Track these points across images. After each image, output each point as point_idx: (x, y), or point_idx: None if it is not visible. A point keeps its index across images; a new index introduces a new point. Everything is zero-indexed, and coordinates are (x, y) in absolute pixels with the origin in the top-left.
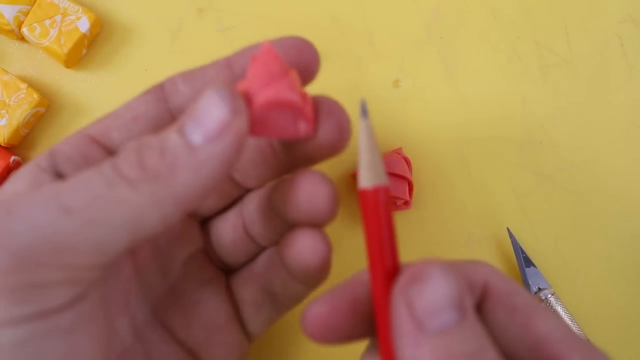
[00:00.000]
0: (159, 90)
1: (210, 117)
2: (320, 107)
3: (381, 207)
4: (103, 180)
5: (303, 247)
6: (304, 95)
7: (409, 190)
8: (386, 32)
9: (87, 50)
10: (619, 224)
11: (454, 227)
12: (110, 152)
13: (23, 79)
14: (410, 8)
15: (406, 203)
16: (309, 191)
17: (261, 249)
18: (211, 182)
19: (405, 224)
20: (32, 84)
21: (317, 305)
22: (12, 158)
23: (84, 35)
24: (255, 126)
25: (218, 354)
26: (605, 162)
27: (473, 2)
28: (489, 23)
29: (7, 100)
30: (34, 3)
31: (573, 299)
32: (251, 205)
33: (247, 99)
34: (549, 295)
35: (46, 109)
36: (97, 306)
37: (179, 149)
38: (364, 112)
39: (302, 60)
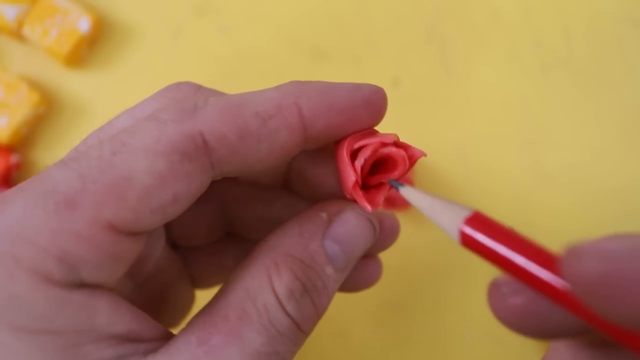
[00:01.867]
0: (205, 156)
1: (362, 251)
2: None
3: (491, 228)
4: (292, 345)
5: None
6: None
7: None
8: (386, 32)
9: (87, 50)
10: (619, 224)
11: None
12: (135, 237)
13: (24, 79)
14: (410, 8)
15: (406, 203)
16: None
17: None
18: None
19: (405, 224)
20: (32, 84)
21: (512, 298)
22: (13, 158)
23: (84, 36)
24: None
25: (168, 308)
26: (605, 162)
27: (473, 2)
28: (489, 23)
29: (7, 101)
30: (35, 3)
31: None
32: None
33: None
34: None
35: (47, 109)
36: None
37: (335, 284)
38: (397, 186)
39: (372, 118)
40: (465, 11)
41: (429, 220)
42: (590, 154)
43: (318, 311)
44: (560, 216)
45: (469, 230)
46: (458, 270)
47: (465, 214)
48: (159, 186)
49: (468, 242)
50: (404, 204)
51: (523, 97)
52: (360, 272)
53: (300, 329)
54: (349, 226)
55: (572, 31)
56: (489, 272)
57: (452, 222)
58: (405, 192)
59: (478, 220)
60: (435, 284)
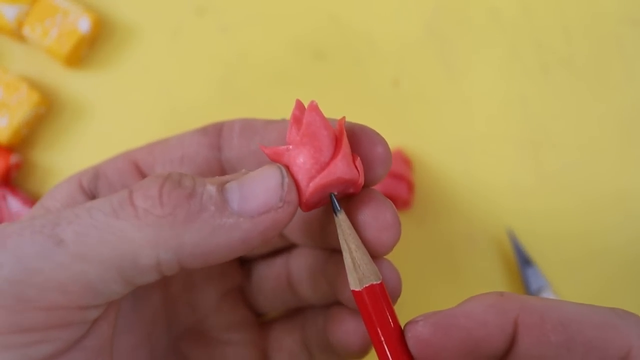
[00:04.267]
0: (216, 134)
1: (257, 195)
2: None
3: (376, 305)
4: (109, 207)
5: (347, 330)
6: (354, 158)
7: (409, 190)
8: (386, 32)
9: (87, 50)
10: (619, 224)
11: (454, 227)
12: None
13: (24, 79)
14: (410, 7)
15: (406, 203)
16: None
17: (301, 301)
18: (223, 252)
19: (405, 224)
20: (32, 84)
21: (421, 326)
22: (13, 158)
23: (84, 36)
24: (308, 203)
25: None
26: (605, 162)
27: (473, 2)
28: (489, 23)
29: (7, 101)
30: (35, 3)
31: (573, 298)
32: (300, 262)
33: (296, 174)
34: (550, 295)
35: (47, 109)
36: (99, 351)
37: (210, 201)
38: (336, 207)
39: (371, 158)
40: (465, 11)
41: (428, 220)
42: (590, 154)
43: (160, 195)
44: (560, 216)
45: (364, 295)
46: (458, 270)
47: (372, 281)
48: (177, 146)
49: (358, 300)
50: (404, 204)
51: (523, 97)
52: (340, 327)
53: (131, 197)
54: (256, 172)
55: (572, 31)
56: (489, 272)
57: (358, 280)
58: (340, 218)
59: (376, 290)
60: (435, 283)
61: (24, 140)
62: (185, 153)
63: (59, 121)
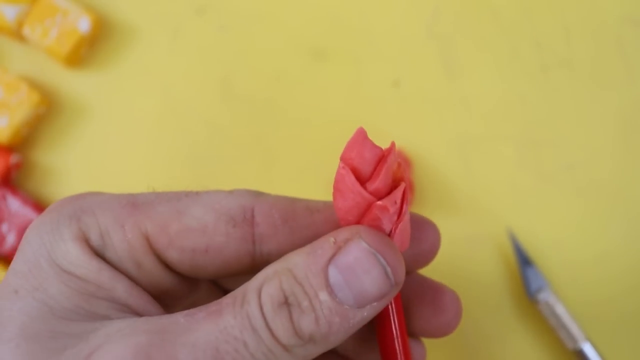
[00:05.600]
0: (248, 224)
1: (368, 289)
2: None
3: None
4: (265, 349)
5: None
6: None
7: (409, 190)
8: (386, 32)
9: (87, 50)
10: (619, 224)
11: (454, 227)
12: (162, 262)
13: (24, 79)
14: (410, 8)
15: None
16: None
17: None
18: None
19: None
20: (32, 84)
21: None
22: (13, 158)
23: (84, 35)
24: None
25: None
26: (605, 162)
27: (473, 2)
28: (489, 23)
29: (7, 101)
30: (35, 3)
31: (573, 298)
32: None
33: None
34: (549, 295)
35: (47, 109)
36: None
37: (333, 316)
38: None
39: (424, 246)
40: (465, 11)
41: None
42: (590, 153)
43: (297, 330)
44: (561, 216)
45: None
46: (458, 270)
47: None
48: (198, 232)
49: None
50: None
51: (523, 97)
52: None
53: (274, 336)
54: (350, 258)
55: (572, 31)
56: (489, 272)
57: None
58: None
59: None
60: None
61: (24, 140)
62: (211, 244)
63: (59, 121)
